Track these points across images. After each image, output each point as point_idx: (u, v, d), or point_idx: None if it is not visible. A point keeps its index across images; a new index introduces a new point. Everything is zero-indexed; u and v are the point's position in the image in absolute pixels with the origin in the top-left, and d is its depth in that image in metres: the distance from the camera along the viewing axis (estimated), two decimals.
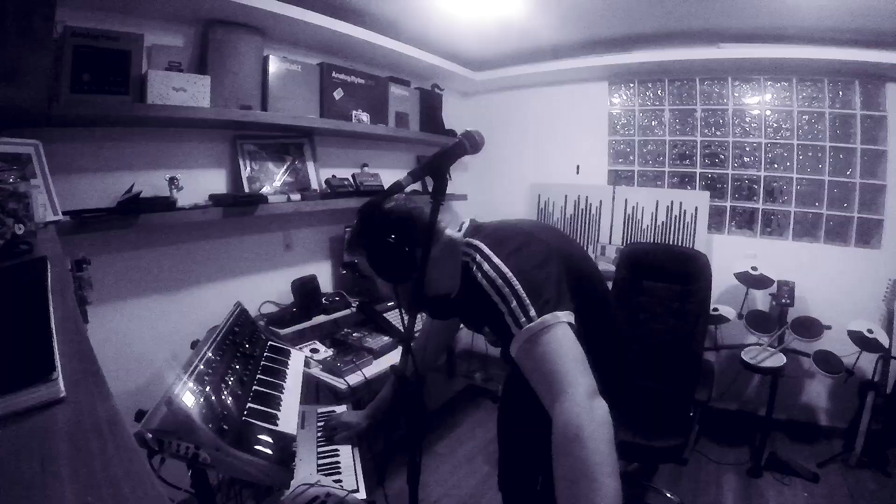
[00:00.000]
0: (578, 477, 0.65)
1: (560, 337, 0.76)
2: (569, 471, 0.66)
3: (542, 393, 0.75)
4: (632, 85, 2.93)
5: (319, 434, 1.33)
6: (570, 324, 0.78)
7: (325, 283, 2.35)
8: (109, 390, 0.50)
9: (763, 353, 2.27)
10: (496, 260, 0.85)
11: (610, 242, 2.94)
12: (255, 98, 1.88)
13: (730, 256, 2.61)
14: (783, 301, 2.38)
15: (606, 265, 2.82)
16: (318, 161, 2.25)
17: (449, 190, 0.97)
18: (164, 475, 0.81)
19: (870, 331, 2.21)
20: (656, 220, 2.81)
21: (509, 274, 0.82)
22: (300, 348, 1.78)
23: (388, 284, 0.97)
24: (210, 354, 1.15)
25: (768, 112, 2.61)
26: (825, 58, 2.27)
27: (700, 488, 2.15)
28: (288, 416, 1.16)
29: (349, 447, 1.28)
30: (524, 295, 0.79)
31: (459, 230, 1.01)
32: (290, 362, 1.49)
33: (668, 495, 2.05)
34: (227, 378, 1.13)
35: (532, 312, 0.78)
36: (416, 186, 2.61)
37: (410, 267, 0.92)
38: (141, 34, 1.51)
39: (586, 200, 3.03)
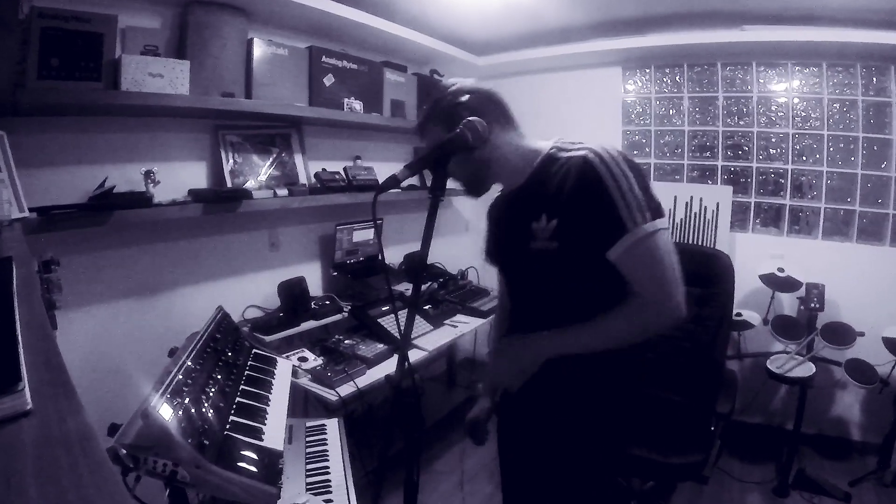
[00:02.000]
0: (625, 330, 0.95)
1: (668, 241, 0.93)
2: (627, 322, 0.94)
3: (649, 280, 0.92)
4: (647, 70, 2.93)
5: (309, 449, 1.33)
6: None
7: (315, 286, 2.35)
8: (80, 402, 0.50)
9: (790, 362, 2.27)
10: (620, 158, 0.93)
11: None
12: (238, 85, 1.88)
13: (754, 257, 2.61)
14: (812, 305, 2.38)
15: None
16: (307, 153, 2.25)
17: (449, 185, 0.97)
18: (139, 494, 0.81)
19: None
20: (674, 216, 2.81)
21: (631, 174, 0.92)
22: (287, 356, 1.77)
23: (457, 166, 1.01)
24: (189, 363, 1.15)
25: (796, 100, 2.61)
26: (858, 41, 2.27)
27: None
28: (274, 431, 1.16)
29: (340, 464, 1.28)
30: (641, 196, 0.91)
31: None
32: (276, 372, 1.49)
33: None
34: (207, 389, 1.13)
35: (648, 213, 0.90)
36: (414, 181, 2.61)
37: (485, 129, 0.97)
38: (114, 15, 1.51)
39: None
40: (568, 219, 0.95)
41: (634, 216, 0.90)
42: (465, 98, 1.02)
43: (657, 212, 0.92)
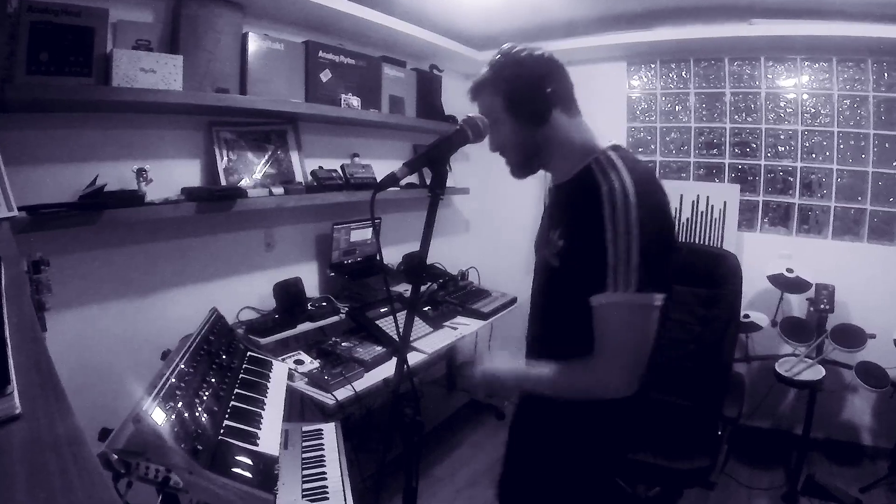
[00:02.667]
0: (563, 388, 0.96)
1: (650, 320, 0.88)
2: (566, 383, 0.95)
3: (606, 347, 0.90)
4: (653, 65, 2.93)
5: (305, 455, 1.33)
6: (660, 307, 0.89)
7: (311, 287, 2.35)
8: (70, 406, 0.50)
9: (799, 365, 2.27)
10: (634, 210, 0.86)
11: None
12: (232, 80, 1.87)
13: (762, 257, 2.61)
14: (822, 307, 2.38)
15: None
16: (303, 151, 2.25)
17: (449, 183, 0.98)
18: (131, 501, 0.81)
19: None
20: (680, 216, 2.81)
21: (637, 232, 0.85)
22: (283, 359, 1.77)
23: (504, 135, 1.01)
24: (182, 366, 1.15)
25: (805, 96, 2.61)
26: (869, 35, 2.27)
27: None
28: (269, 435, 1.16)
29: (337, 470, 1.28)
30: (637, 259, 0.85)
31: None
32: (271, 375, 1.49)
33: None
34: (201, 392, 1.13)
35: (634, 283, 0.85)
36: (413, 179, 2.61)
37: (544, 115, 0.96)
38: (105, 9, 1.51)
39: None
40: (572, 247, 0.96)
41: (618, 279, 0.86)
42: (527, 71, 0.98)
43: (648, 284, 0.86)
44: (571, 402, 0.98)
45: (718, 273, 2.16)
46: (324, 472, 1.28)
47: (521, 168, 1.06)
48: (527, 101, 0.99)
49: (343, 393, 1.71)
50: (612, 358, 0.90)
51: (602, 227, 0.87)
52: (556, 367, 0.96)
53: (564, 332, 1.02)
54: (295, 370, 1.78)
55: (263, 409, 1.27)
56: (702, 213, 2.76)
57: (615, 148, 1.00)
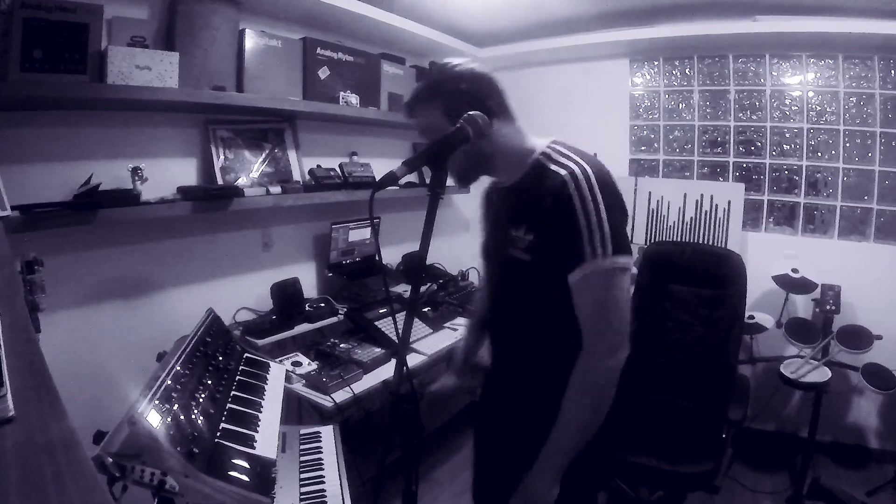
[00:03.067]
0: (592, 405, 0.97)
1: (623, 282, 0.96)
2: (584, 394, 0.97)
3: (592, 319, 0.97)
4: (656, 63, 2.93)
5: (303, 458, 1.33)
6: (633, 275, 0.95)
7: (309, 288, 2.35)
8: (64, 408, 0.50)
9: (805, 367, 2.27)
10: (597, 187, 0.95)
11: (632, 241, 2.94)
12: (229, 78, 1.87)
13: (767, 257, 2.61)
14: (828, 307, 2.38)
15: None
16: (301, 149, 2.25)
17: (449, 182, 0.97)
18: None
19: None
20: (684, 215, 2.81)
21: (603, 207, 0.94)
22: (280, 361, 1.77)
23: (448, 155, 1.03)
24: (178, 368, 1.15)
25: (811, 93, 2.61)
26: (876, 32, 2.27)
27: None
28: (267, 438, 1.16)
29: (336, 473, 1.28)
30: (608, 230, 0.94)
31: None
32: (269, 377, 1.49)
33: None
34: (197, 395, 1.13)
35: (609, 247, 0.93)
36: (413, 178, 2.61)
37: (486, 125, 0.97)
38: (100, 5, 1.51)
39: None
40: (542, 237, 1.00)
41: (595, 248, 0.94)
42: (465, 86, 1.02)
43: (620, 249, 0.95)
44: (551, 400, 1.00)
45: (722, 273, 2.17)
46: (322, 476, 1.28)
47: (465, 178, 1.11)
48: (469, 107, 1.00)
49: (341, 395, 1.71)
50: (605, 324, 0.96)
51: (572, 208, 0.94)
52: (567, 402, 0.99)
53: (548, 325, 1.05)
54: (292, 372, 1.78)
55: (260, 412, 1.27)
56: (706, 212, 2.76)
57: (555, 141, 1.07)
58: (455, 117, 0.99)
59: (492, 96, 1.04)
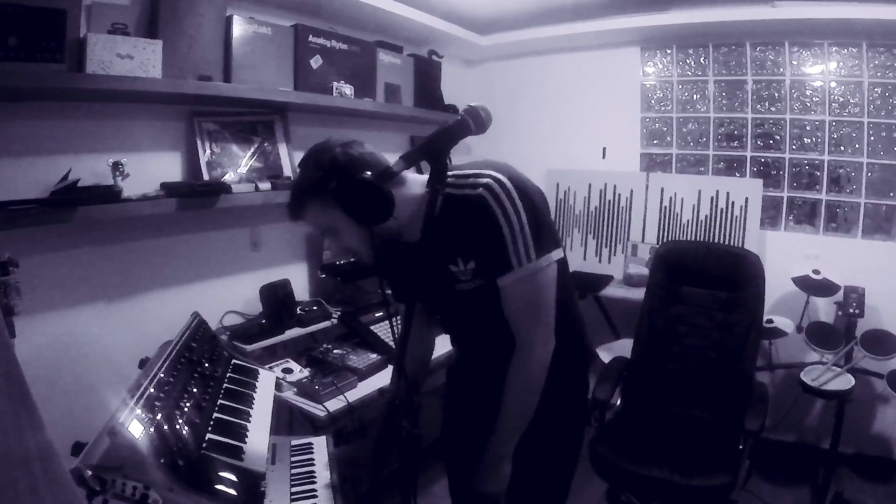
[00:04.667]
0: (531, 390, 1.11)
1: (550, 278, 1.08)
2: (524, 383, 1.11)
3: (523, 319, 1.09)
4: (669, 51, 2.93)
5: (294, 470, 1.33)
6: (558, 260, 1.09)
7: (301, 290, 2.35)
8: (41, 418, 0.50)
9: (827, 374, 2.27)
10: (513, 191, 1.03)
11: (643, 241, 2.95)
12: (215, 67, 1.87)
13: (787, 257, 2.62)
14: (851, 311, 2.38)
15: (638, 268, 2.82)
16: (292, 143, 2.25)
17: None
18: None
19: None
20: (698, 213, 2.81)
21: (522, 211, 1.03)
22: (270, 368, 1.77)
23: (356, 237, 1.09)
24: (162, 375, 1.15)
25: (833, 83, 2.61)
26: None
27: None
28: (255, 450, 1.16)
29: (329, 487, 1.28)
30: (529, 234, 1.03)
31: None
32: (258, 385, 1.49)
33: None
34: (182, 403, 1.13)
35: (532, 252, 1.04)
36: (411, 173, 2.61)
37: (389, 203, 1.00)
38: None
39: (614, 190, 3.03)
40: (481, 258, 1.07)
41: (520, 256, 1.03)
42: (363, 173, 1.02)
43: (543, 250, 1.05)
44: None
45: (739, 275, 2.17)
46: (314, 490, 1.28)
47: (380, 259, 1.10)
48: (367, 202, 1.00)
49: (335, 404, 1.71)
50: (534, 322, 1.09)
51: (496, 223, 1.02)
52: (510, 392, 1.12)
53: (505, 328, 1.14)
54: (283, 379, 1.78)
55: (249, 422, 1.27)
56: (721, 210, 2.76)
57: (438, 168, 1.01)
58: (357, 210, 1.01)
59: (373, 165, 1.06)
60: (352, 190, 1.00)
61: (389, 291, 1.29)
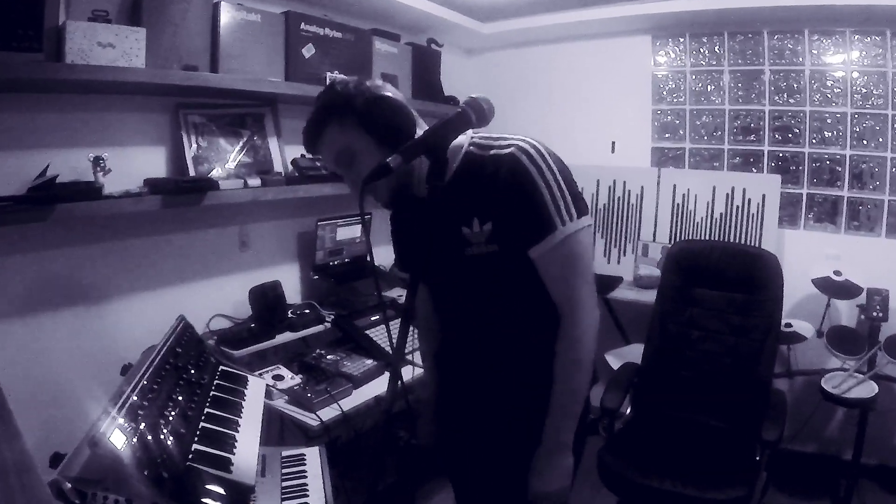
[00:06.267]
0: (586, 363, 1.09)
1: (588, 240, 1.07)
2: (577, 356, 1.08)
3: (571, 283, 1.06)
4: (681, 39, 2.93)
5: (286, 483, 1.33)
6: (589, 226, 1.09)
7: (292, 292, 2.35)
8: (18, 428, 0.51)
9: (849, 381, 2.27)
10: (546, 155, 1.05)
11: (654, 240, 2.95)
12: (202, 56, 1.88)
13: (806, 257, 2.62)
14: (874, 314, 2.38)
15: (649, 269, 2.82)
16: (283, 137, 2.26)
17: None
18: None
19: None
20: (713, 211, 2.81)
21: (557, 172, 1.04)
22: (260, 374, 1.78)
23: (375, 164, 1.03)
24: (145, 382, 1.15)
25: (856, 74, 2.61)
26: None
27: None
28: (244, 461, 1.16)
29: (322, 500, 1.28)
30: (567, 193, 1.04)
31: None
32: (247, 392, 1.49)
33: None
34: (167, 412, 1.13)
35: (573, 210, 1.03)
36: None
37: (412, 122, 1.06)
38: None
39: (624, 186, 3.03)
40: (503, 220, 1.05)
41: (563, 215, 1.02)
42: (385, 94, 1.08)
43: (582, 210, 1.05)
44: (542, 389, 1.10)
45: (756, 276, 2.17)
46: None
47: (396, 198, 1.13)
48: (394, 126, 1.05)
49: (328, 413, 1.71)
50: (584, 285, 1.07)
51: (532, 181, 1.01)
52: (563, 370, 1.09)
53: (520, 310, 1.13)
54: (273, 387, 1.78)
55: (238, 432, 1.27)
56: (737, 207, 2.76)
57: (476, 132, 1.12)
58: (383, 134, 1.03)
59: (405, 108, 1.09)
60: (377, 105, 1.05)
61: (395, 258, 1.30)
